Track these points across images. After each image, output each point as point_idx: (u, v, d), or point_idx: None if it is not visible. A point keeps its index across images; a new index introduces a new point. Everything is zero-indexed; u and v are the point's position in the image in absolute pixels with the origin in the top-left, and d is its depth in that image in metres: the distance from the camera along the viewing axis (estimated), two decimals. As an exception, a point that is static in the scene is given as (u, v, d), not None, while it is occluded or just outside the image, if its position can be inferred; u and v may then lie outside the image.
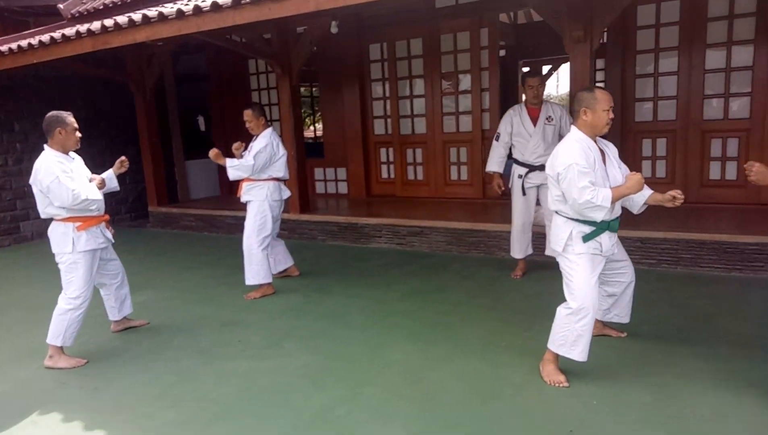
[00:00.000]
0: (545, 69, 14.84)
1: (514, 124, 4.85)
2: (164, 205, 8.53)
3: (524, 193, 4.83)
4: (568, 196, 2.91)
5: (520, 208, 4.90)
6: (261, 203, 4.85)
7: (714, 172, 5.88)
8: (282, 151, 4.92)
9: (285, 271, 5.39)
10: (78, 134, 3.70)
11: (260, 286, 4.93)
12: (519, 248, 5.01)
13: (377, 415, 2.89)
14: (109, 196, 9.25)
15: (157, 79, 8.16)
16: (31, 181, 3.62)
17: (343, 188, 8.43)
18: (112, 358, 3.83)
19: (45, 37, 5.45)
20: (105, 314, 4.23)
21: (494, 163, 4.98)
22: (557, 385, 3.04)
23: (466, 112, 7.17)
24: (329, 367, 3.48)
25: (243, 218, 4.87)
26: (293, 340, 3.93)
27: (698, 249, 4.76)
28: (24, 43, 5.68)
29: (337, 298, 4.76)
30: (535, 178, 4.79)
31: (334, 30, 6.21)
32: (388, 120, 7.81)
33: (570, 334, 3.00)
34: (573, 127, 3.03)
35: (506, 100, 8.27)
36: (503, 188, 5.03)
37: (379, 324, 4.12)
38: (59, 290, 3.73)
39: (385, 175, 8.03)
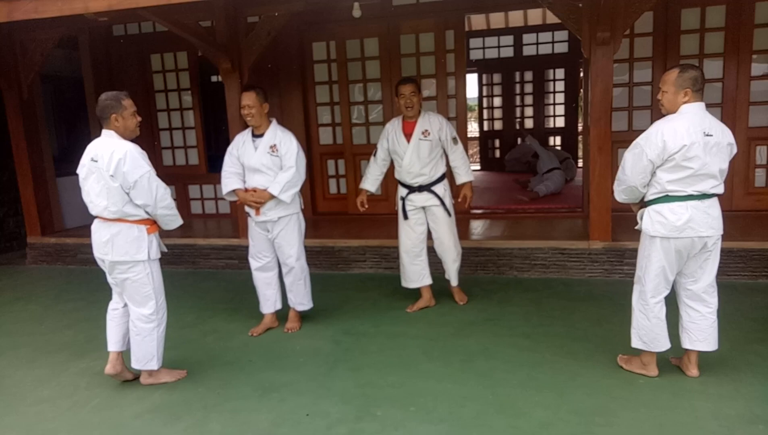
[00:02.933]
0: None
1: (390, 140, 4.36)
2: (51, 235, 6.65)
3: (406, 217, 4.39)
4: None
5: (404, 233, 4.43)
6: (298, 214, 4.07)
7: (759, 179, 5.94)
8: None
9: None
10: (138, 118, 3.24)
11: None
12: (411, 277, 4.47)
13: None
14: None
15: (35, 75, 6.34)
16: (111, 174, 3.02)
17: (279, 206, 7.36)
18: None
19: None
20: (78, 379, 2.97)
21: (366, 181, 4.54)
22: None
23: (431, 119, 6.65)
24: (471, 438, 2.70)
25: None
26: (382, 404, 3.05)
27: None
28: None
29: (378, 340, 3.91)
30: (416, 199, 4.34)
31: (356, 13, 5.28)
32: (338, 128, 6.99)
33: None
34: (687, 105, 2.90)
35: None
36: (366, 206, 4.53)
37: (468, 371, 3.39)
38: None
39: (334, 190, 7.17)
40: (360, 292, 5.02)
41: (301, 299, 4.19)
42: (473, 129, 15.40)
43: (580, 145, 11.79)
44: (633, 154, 2.98)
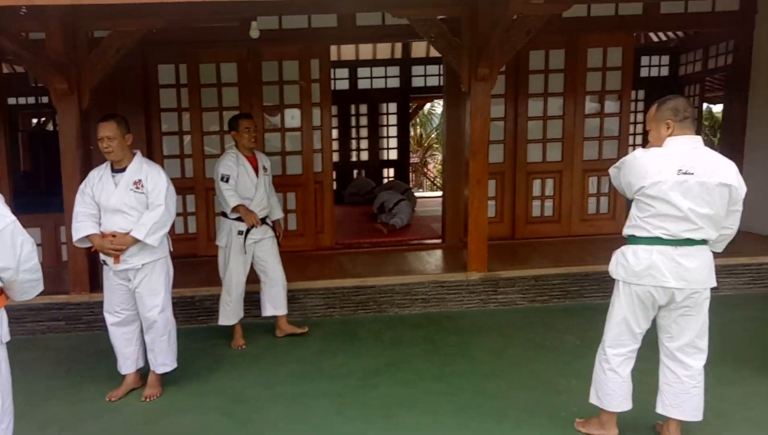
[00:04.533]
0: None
1: (239, 173, 4.19)
2: None
3: (245, 252, 4.27)
4: (736, 221, 2.62)
5: (240, 267, 4.28)
6: (167, 259, 3.61)
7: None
8: None
9: None
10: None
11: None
12: (235, 312, 4.35)
13: None
14: None
15: None
16: None
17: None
18: None
19: None
20: None
21: (236, 198, 4.12)
22: None
23: (294, 152, 6.29)
24: None
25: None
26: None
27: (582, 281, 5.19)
28: None
29: (279, 406, 3.41)
30: (257, 232, 4.27)
31: (254, 34, 4.66)
32: (187, 160, 6.24)
33: None
34: (671, 139, 2.59)
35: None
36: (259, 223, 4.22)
37: (394, 427, 3.11)
38: None
39: (180, 229, 6.34)
40: (216, 348, 4.37)
41: (164, 359, 3.58)
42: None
43: (412, 176, 12.33)
44: (616, 169, 2.76)
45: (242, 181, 4.15)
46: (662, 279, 2.54)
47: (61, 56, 4.47)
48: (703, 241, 2.57)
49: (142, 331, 3.61)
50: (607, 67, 6.40)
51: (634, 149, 2.84)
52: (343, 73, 11.99)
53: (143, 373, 3.66)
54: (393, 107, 12.39)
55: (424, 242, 6.83)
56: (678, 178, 2.48)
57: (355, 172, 12.69)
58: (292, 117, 6.26)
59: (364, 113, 12.44)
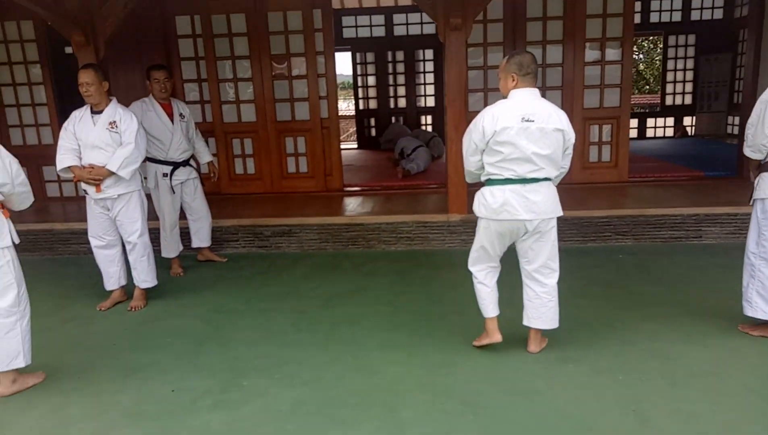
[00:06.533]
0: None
1: (150, 118, 4.62)
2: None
3: (174, 192, 4.82)
4: (568, 161, 3.08)
5: (170, 206, 4.84)
6: (140, 192, 4.16)
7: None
8: None
9: None
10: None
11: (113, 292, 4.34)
12: (174, 247, 4.97)
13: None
14: None
15: None
16: None
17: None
18: None
19: None
20: None
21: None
22: None
23: (301, 98, 6.74)
24: (338, 400, 2.92)
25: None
26: (249, 375, 3.17)
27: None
28: None
29: (249, 316, 4.02)
30: (181, 174, 4.85)
31: None
32: (206, 105, 6.85)
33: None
34: (514, 91, 2.94)
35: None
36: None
37: (333, 338, 3.62)
38: None
39: (205, 169, 7.01)
40: (232, 272, 5.05)
41: (145, 276, 4.25)
42: (345, 107, 15.43)
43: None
44: (468, 133, 3.06)
45: (155, 126, 4.60)
46: (515, 213, 2.94)
47: (75, 10, 5.04)
48: (546, 179, 2.97)
49: (124, 252, 4.27)
50: (608, 14, 6.32)
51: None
52: (379, 20, 12.16)
53: (129, 289, 4.37)
54: (429, 54, 12.47)
55: (430, 187, 7.18)
56: (522, 125, 2.84)
57: (393, 119, 13.00)
58: (298, 66, 6.68)
59: (400, 60, 12.61)
